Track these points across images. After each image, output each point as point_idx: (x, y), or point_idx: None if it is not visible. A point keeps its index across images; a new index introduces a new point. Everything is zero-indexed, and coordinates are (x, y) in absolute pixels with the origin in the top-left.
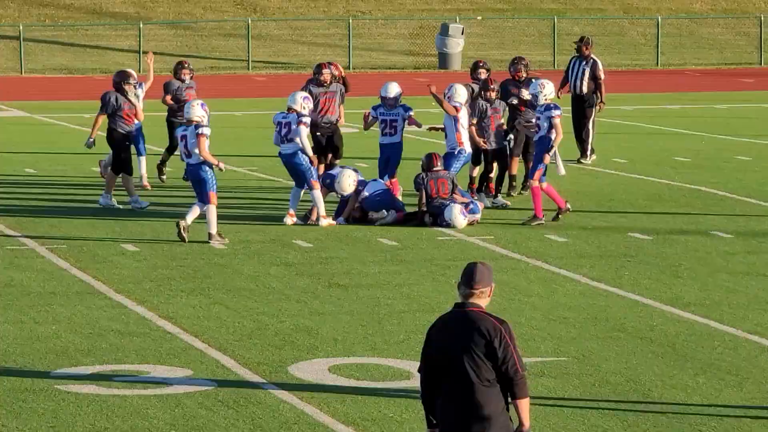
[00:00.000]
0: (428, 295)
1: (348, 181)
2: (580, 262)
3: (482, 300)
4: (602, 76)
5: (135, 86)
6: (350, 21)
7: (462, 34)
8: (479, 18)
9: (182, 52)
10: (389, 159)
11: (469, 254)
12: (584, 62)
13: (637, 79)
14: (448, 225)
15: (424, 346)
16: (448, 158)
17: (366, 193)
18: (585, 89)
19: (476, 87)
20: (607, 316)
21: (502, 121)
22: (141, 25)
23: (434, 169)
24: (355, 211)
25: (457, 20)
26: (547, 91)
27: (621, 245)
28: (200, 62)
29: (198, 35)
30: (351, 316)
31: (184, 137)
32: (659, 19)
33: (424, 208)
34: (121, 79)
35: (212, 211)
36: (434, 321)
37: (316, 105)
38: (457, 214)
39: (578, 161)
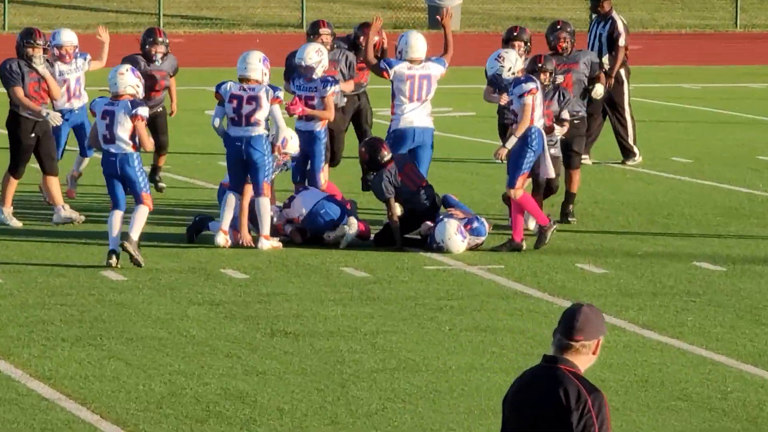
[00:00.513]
0: (411, 348)
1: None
2: (625, 303)
3: (582, 357)
4: (622, 42)
5: (52, 52)
6: None
7: None
8: None
9: (64, 2)
10: (307, 153)
11: (468, 290)
12: (602, 23)
13: (707, 46)
14: (441, 248)
15: (502, 411)
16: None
17: (303, 210)
18: (606, 61)
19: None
20: (662, 378)
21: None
22: None
23: (385, 159)
24: (295, 235)
25: None
26: (511, 60)
27: (682, 279)
28: (92, 16)
29: None
30: (303, 376)
31: (108, 114)
32: None
33: (397, 221)
34: (22, 39)
35: (144, 215)
36: (518, 376)
37: None
38: (453, 234)
39: (622, 162)
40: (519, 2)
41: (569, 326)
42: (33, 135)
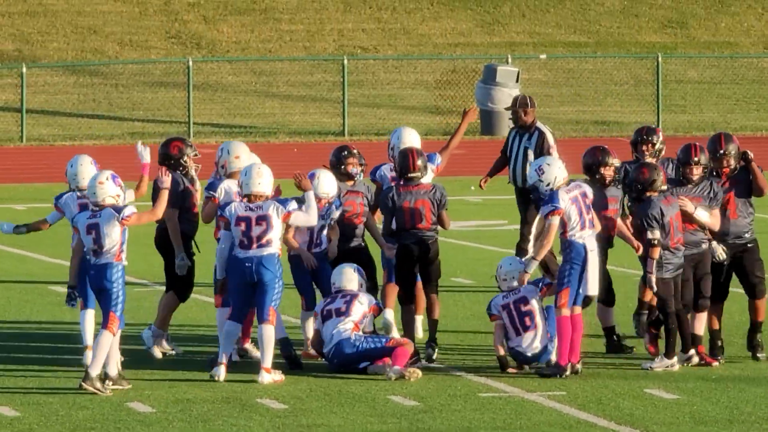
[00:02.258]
0: None
1: (326, 181)
2: None
3: None
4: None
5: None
6: (344, 61)
7: (517, 80)
8: (543, 57)
9: (86, 110)
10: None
11: (527, 419)
12: (525, 136)
13: None
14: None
15: None
16: None
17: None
18: (522, 179)
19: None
20: None
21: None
22: (24, 69)
23: (410, 175)
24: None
25: (509, 60)
26: (550, 175)
27: (762, 405)
28: (115, 126)
29: (111, 84)
30: None
31: (94, 228)
32: None
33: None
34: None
35: (107, 343)
36: None
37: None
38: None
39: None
40: (580, 104)
41: None
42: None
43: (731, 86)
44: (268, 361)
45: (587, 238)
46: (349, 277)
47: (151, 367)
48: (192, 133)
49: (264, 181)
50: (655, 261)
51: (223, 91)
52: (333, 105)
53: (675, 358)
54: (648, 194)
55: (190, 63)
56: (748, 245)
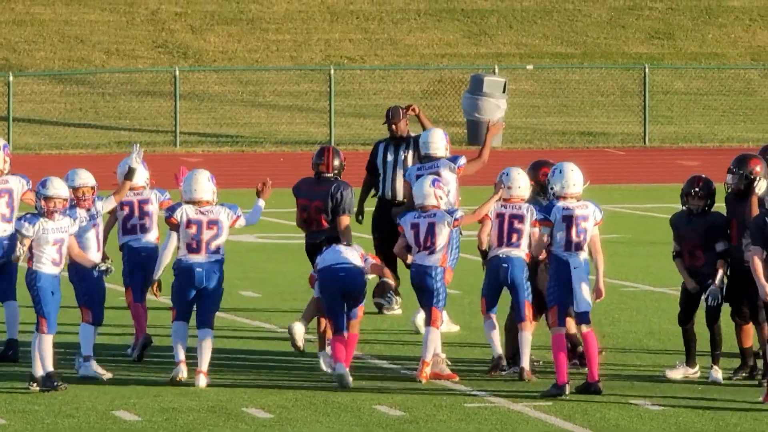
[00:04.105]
0: None
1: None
2: None
3: None
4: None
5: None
6: (331, 71)
7: (504, 91)
8: (530, 67)
9: (72, 119)
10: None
11: (512, 429)
12: (402, 146)
13: None
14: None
15: None
16: None
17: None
18: (400, 192)
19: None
20: None
21: None
22: (10, 77)
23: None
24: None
25: (496, 71)
26: (560, 182)
27: (747, 416)
28: (102, 135)
29: (97, 93)
30: None
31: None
32: None
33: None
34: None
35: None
36: None
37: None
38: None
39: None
40: (566, 115)
41: None
42: None
43: (718, 97)
44: (206, 365)
45: (571, 256)
46: None
47: (136, 375)
48: (178, 142)
49: (203, 188)
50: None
51: (210, 100)
52: (320, 115)
53: (697, 367)
54: None
55: (177, 72)
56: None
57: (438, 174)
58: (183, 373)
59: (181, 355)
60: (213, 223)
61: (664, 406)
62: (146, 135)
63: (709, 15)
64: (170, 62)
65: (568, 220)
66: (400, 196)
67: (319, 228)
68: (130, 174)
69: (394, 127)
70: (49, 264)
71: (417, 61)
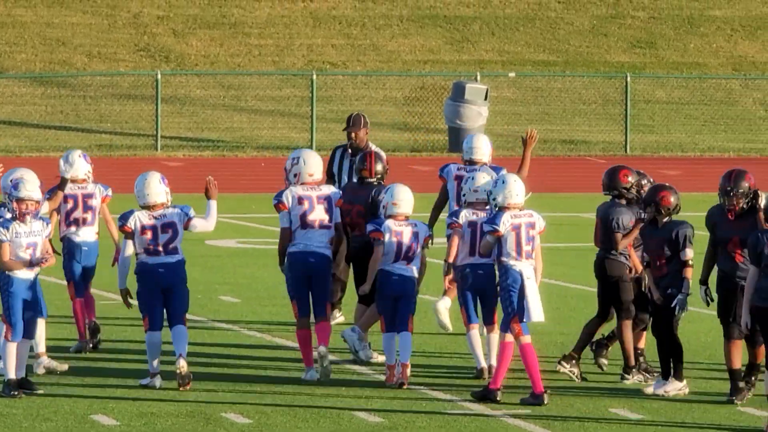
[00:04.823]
0: None
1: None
2: None
3: None
4: None
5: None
6: (313, 77)
7: (486, 98)
8: (512, 75)
9: (53, 122)
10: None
11: None
12: (359, 156)
13: (752, 172)
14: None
15: None
16: None
17: None
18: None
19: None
20: None
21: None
22: None
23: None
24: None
25: (478, 78)
26: (502, 192)
27: (725, 425)
28: (83, 138)
29: (78, 96)
30: None
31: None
32: None
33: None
34: None
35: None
36: None
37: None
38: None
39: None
40: (548, 123)
41: None
42: None
43: (699, 107)
44: (185, 350)
45: (524, 266)
46: None
47: (115, 379)
48: (159, 146)
49: (156, 191)
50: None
51: (192, 104)
52: (301, 120)
53: (684, 381)
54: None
55: (159, 76)
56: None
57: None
58: (158, 383)
59: (156, 366)
60: (167, 226)
61: (643, 415)
62: (127, 138)
63: (691, 25)
64: (152, 66)
65: (517, 229)
66: None
67: (362, 232)
68: (62, 184)
69: (353, 134)
70: (23, 268)
71: (399, 67)
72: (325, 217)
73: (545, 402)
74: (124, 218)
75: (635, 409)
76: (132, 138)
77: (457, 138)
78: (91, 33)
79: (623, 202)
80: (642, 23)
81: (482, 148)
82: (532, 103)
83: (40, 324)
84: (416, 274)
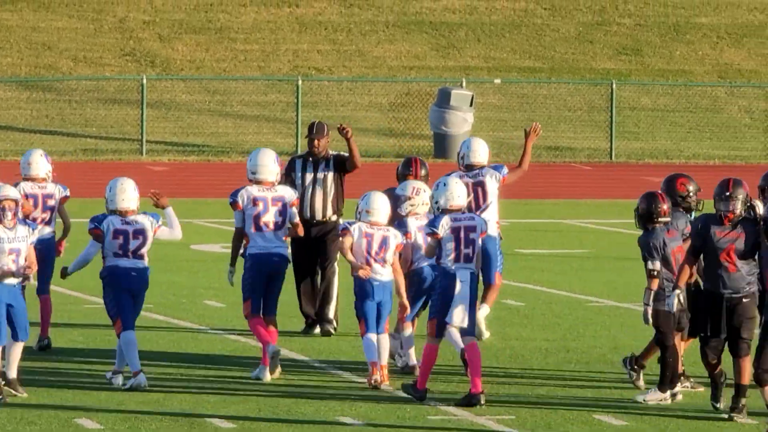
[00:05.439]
0: None
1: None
2: None
3: None
4: None
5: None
6: (299, 82)
7: (471, 105)
8: (498, 81)
9: (39, 126)
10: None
11: None
12: (322, 164)
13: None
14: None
15: None
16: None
17: None
18: (319, 211)
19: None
20: None
21: None
22: None
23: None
24: None
25: (464, 84)
26: (452, 193)
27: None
28: (68, 142)
29: (64, 100)
30: None
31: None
32: None
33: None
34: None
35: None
36: None
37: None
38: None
39: None
40: None
41: None
42: None
43: (684, 114)
44: (139, 365)
45: (460, 269)
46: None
47: (99, 383)
48: (145, 151)
49: (128, 197)
50: (652, 292)
51: (177, 109)
52: (287, 125)
53: (668, 392)
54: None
55: (144, 81)
56: (744, 299)
57: (483, 183)
58: (144, 381)
59: (137, 364)
60: (138, 232)
61: (627, 422)
62: (112, 143)
63: (676, 32)
64: (138, 70)
65: (457, 232)
66: (319, 215)
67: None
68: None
69: (315, 142)
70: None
71: (385, 73)
72: (279, 219)
73: (482, 402)
74: (96, 221)
75: (619, 416)
76: (117, 142)
77: (442, 144)
78: (77, 37)
79: (680, 210)
80: (628, 30)
81: (480, 151)
82: (518, 109)
83: (16, 348)
84: (392, 278)
